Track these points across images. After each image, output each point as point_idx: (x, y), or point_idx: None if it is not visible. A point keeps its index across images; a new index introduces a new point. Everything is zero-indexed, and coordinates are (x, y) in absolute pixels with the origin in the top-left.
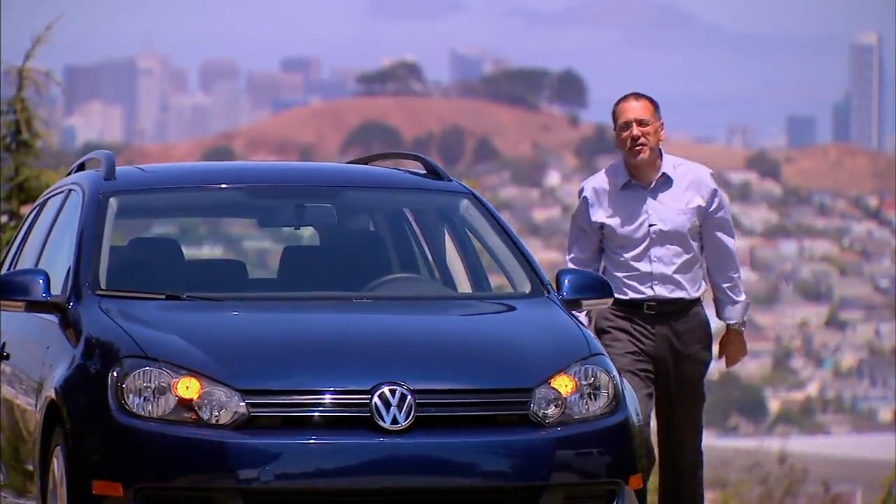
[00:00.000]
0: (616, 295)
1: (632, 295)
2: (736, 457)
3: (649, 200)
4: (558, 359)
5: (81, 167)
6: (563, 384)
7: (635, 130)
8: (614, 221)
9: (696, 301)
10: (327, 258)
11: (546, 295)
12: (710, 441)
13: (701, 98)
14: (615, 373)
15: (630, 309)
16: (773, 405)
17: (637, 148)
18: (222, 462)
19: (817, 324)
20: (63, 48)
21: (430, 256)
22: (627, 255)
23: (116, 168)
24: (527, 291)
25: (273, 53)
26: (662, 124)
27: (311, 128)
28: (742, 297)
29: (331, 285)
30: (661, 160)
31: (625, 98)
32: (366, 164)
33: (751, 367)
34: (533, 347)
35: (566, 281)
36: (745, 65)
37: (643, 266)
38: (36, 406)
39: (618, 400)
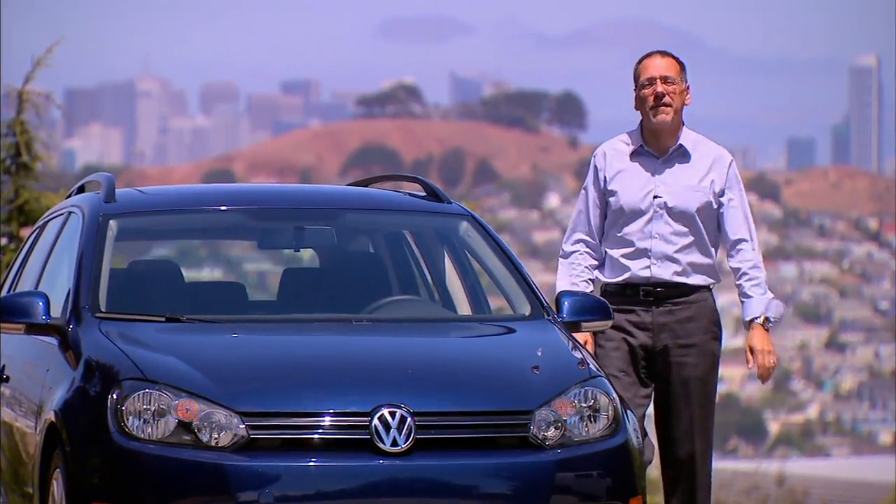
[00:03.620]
0: (612, 278)
1: (627, 276)
2: (735, 479)
3: (659, 170)
4: (558, 381)
5: (81, 189)
6: (563, 406)
7: (659, 87)
8: (618, 187)
9: (703, 288)
10: (327, 280)
11: (546, 317)
12: None
13: (701, 120)
14: (615, 395)
15: (626, 297)
16: (773, 427)
17: (660, 107)
18: (222, 484)
19: (817, 346)
20: (63, 71)
21: (429, 278)
22: (627, 230)
23: (116, 190)
24: (526, 314)
25: (273, 76)
26: (688, 88)
27: (311, 150)
28: (764, 292)
29: (330, 307)
30: (682, 130)
31: (649, 55)
32: (365, 186)
33: (750, 390)
34: (532, 370)
35: (566, 303)
36: (746, 87)
37: (642, 242)
38: (36, 428)
39: (618, 422)
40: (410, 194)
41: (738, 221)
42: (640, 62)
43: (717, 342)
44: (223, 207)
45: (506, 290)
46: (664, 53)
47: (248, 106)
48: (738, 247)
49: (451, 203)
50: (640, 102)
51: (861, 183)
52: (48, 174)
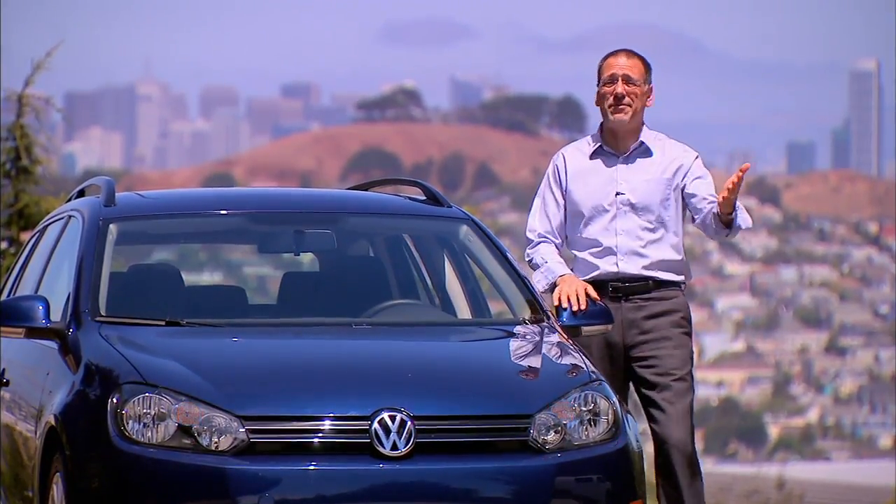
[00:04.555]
0: (584, 277)
1: (595, 273)
2: (735, 483)
3: (620, 167)
4: (558, 385)
5: (81, 193)
6: (563, 410)
7: (619, 87)
8: (579, 187)
9: (673, 284)
10: (327, 284)
11: (545, 321)
12: (710, 467)
13: (701, 124)
14: (615, 399)
15: (597, 294)
16: (773, 431)
17: (619, 107)
18: (222, 488)
19: (817, 350)
20: (63, 74)
21: (429, 282)
22: (592, 228)
23: (116, 194)
24: (526, 317)
25: (273, 79)
26: (651, 89)
27: (311, 154)
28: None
29: (330, 311)
30: (643, 130)
31: (614, 52)
32: (365, 190)
33: (750, 394)
34: (532, 373)
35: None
36: (746, 91)
37: (608, 239)
38: (36, 432)
39: (618, 426)
40: (410, 198)
41: (706, 189)
42: (605, 58)
43: (688, 337)
44: (223, 211)
45: (505, 294)
46: (630, 53)
47: (248, 110)
48: (711, 201)
49: (450, 207)
50: (599, 99)
51: (861, 187)
52: (48, 178)
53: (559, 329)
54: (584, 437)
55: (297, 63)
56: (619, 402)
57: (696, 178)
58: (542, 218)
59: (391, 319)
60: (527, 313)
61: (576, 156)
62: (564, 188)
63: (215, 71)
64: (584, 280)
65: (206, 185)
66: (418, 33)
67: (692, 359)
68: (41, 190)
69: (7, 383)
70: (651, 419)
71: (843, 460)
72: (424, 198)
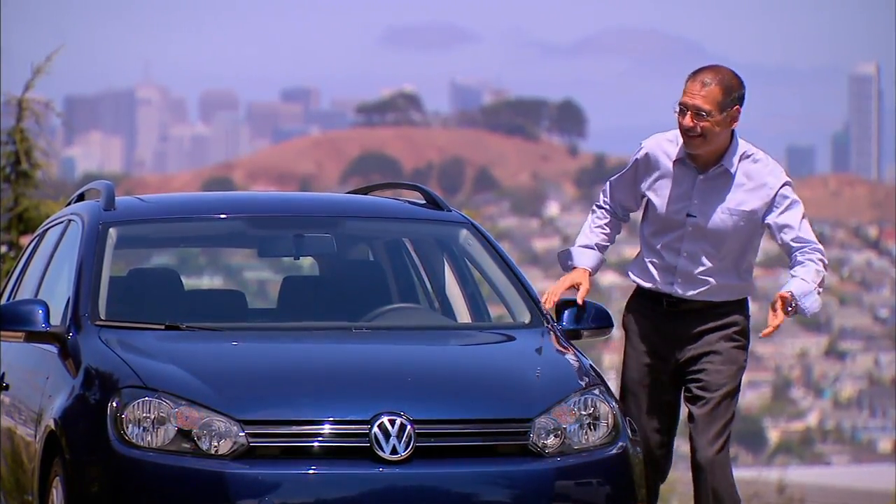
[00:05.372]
0: (642, 281)
1: (653, 286)
2: None
3: (698, 187)
4: (558, 389)
5: (81, 197)
6: (563, 414)
7: (687, 121)
8: (656, 195)
9: (731, 303)
10: (327, 288)
11: (545, 325)
12: None
13: None
14: (614, 403)
15: (652, 303)
16: (773, 435)
17: (690, 137)
18: (222, 492)
19: (817, 354)
20: (63, 78)
21: (429, 286)
22: (659, 241)
23: (116, 198)
24: (526, 321)
25: (273, 83)
26: (737, 111)
27: (311, 158)
28: (812, 284)
29: (330, 315)
30: (729, 148)
31: (695, 75)
32: (365, 194)
33: (750, 398)
34: (532, 378)
35: (565, 311)
36: (746, 95)
37: (670, 257)
38: (35, 436)
39: (617, 430)
40: (410, 202)
41: (791, 230)
42: (689, 76)
43: (742, 351)
44: (223, 215)
45: (505, 298)
46: (707, 79)
47: (248, 114)
48: (800, 245)
49: (450, 211)
50: (678, 122)
51: (861, 191)
52: (48, 182)
53: (559, 333)
54: (583, 441)
55: (297, 67)
56: (619, 405)
57: (782, 213)
58: (615, 190)
59: (391, 323)
60: (526, 317)
61: (660, 158)
62: (644, 185)
63: (215, 75)
64: (644, 287)
65: (205, 189)
66: (419, 37)
67: (742, 372)
68: (41, 194)
69: (7, 387)
70: (690, 433)
71: (842, 464)
72: (424, 202)
